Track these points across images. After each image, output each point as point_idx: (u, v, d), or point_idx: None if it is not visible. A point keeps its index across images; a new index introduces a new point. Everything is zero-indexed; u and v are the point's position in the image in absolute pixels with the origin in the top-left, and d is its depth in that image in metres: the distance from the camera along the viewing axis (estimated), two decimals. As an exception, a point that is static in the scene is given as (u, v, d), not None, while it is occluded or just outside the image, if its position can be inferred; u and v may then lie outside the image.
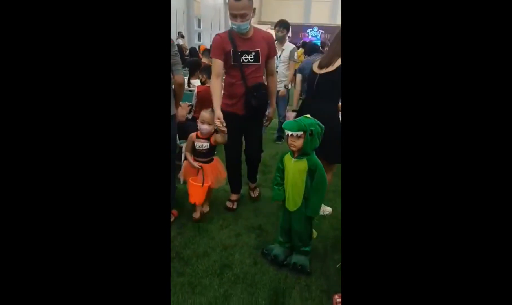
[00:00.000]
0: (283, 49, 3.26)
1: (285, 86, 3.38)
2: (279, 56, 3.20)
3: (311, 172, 1.50)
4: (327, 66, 1.81)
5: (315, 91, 1.87)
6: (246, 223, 2.01)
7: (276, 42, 2.57)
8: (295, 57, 3.33)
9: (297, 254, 1.63)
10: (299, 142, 1.44)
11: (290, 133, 1.42)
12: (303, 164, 1.49)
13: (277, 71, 2.47)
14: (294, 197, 1.53)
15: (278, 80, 2.56)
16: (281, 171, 1.58)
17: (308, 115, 1.48)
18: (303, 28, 15.36)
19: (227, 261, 1.66)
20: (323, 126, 1.48)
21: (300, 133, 1.42)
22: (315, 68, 1.90)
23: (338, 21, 15.53)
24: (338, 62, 1.77)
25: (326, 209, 2.15)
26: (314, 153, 1.52)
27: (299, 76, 3.03)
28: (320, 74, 1.84)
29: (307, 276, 1.56)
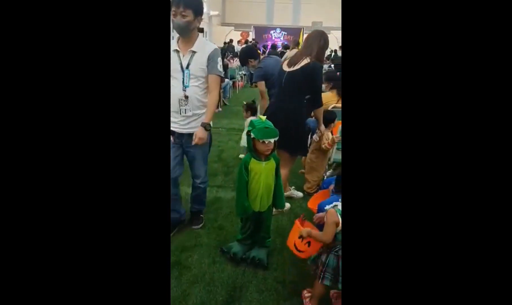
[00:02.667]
0: (193, 52, 1.65)
1: (204, 127, 1.66)
2: (187, 66, 1.65)
3: (277, 169, 1.58)
4: (294, 65, 1.89)
5: (283, 89, 1.93)
6: (206, 223, 2.04)
7: (172, 39, 1.72)
8: (219, 67, 1.67)
9: (257, 248, 1.69)
10: (272, 145, 1.48)
11: (267, 141, 1.44)
12: (272, 164, 1.55)
13: (185, 96, 1.64)
14: (267, 197, 1.57)
15: (190, 112, 1.68)
16: (246, 182, 1.54)
17: (263, 117, 1.51)
18: (266, 29, 15.61)
19: (186, 262, 1.68)
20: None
21: (276, 138, 1.47)
22: (284, 66, 1.96)
23: (300, 23, 16.00)
24: (305, 61, 1.84)
25: (286, 205, 2.25)
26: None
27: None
28: (288, 72, 1.91)
29: (264, 270, 1.63)
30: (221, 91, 5.43)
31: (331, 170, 2.73)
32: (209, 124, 1.68)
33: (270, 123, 1.48)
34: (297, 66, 1.88)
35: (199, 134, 1.63)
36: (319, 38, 1.89)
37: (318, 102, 1.99)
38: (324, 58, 2.01)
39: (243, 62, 2.84)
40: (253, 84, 2.79)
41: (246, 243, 1.71)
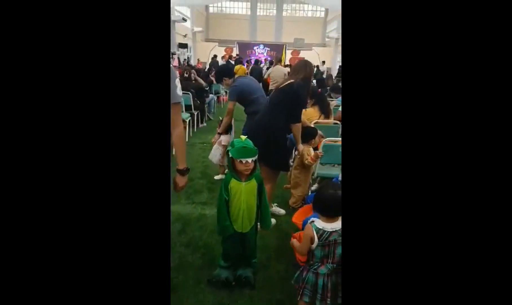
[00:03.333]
0: None
1: (181, 173, 1.49)
2: None
3: (259, 188, 1.57)
4: (282, 84, 2.02)
5: (268, 106, 2.04)
6: (191, 242, 2.00)
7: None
8: (178, 91, 1.40)
9: (244, 268, 1.66)
10: (252, 165, 1.48)
11: (244, 160, 1.44)
12: (253, 184, 1.54)
13: None
14: (249, 218, 1.56)
15: None
16: (227, 202, 1.53)
17: (243, 137, 1.52)
18: (250, 45, 15.92)
19: (171, 284, 1.63)
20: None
21: (255, 157, 1.47)
22: (272, 85, 2.10)
23: (283, 39, 16.45)
24: (289, 82, 1.98)
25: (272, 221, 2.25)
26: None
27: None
28: (275, 90, 2.05)
29: (251, 289, 1.60)
30: (206, 106, 5.45)
31: (316, 184, 2.76)
32: (187, 169, 1.42)
33: (250, 142, 1.48)
34: (282, 86, 2.02)
35: (179, 182, 1.41)
36: (305, 67, 2.05)
37: (296, 118, 2.05)
38: (310, 82, 2.14)
39: (218, 80, 2.94)
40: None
41: (231, 266, 1.68)
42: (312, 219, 1.33)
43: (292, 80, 1.97)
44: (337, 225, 1.27)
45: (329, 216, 1.27)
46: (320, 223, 1.28)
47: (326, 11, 18.76)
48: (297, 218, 1.81)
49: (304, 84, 2.00)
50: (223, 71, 2.82)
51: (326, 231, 1.26)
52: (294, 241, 1.34)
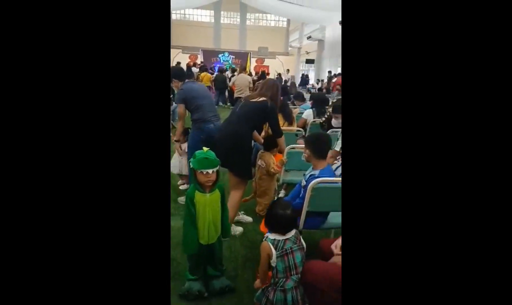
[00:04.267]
0: None
1: None
2: None
3: (222, 198, 1.56)
4: (253, 98, 2.12)
5: (236, 115, 2.08)
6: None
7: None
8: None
9: (217, 279, 1.62)
10: (214, 176, 1.47)
11: (205, 171, 1.42)
12: (217, 194, 1.52)
13: None
14: (215, 229, 1.54)
15: None
16: (194, 216, 1.49)
17: (205, 148, 1.51)
18: (214, 53, 15.91)
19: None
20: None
21: (216, 168, 1.46)
22: (237, 93, 2.14)
23: (248, 48, 16.68)
24: (263, 98, 2.08)
25: (237, 229, 2.24)
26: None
27: None
28: (245, 102, 2.11)
29: (233, 292, 1.58)
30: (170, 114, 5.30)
31: (282, 190, 2.81)
32: None
33: (212, 154, 1.47)
34: (254, 99, 2.10)
35: None
36: (273, 86, 2.17)
37: (279, 133, 2.22)
38: (278, 101, 2.24)
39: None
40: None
41: (200, 278, 1.63)
42: (266, 235, 1.37)
43: (264, 98, 2.06)
44: (288, 233, 1.31)
45: (280, 233, 1.31)
46: (272, 235, 1.31)
47: (288, 21, 19.42)
48: (264, 227, 1.82)
49: (275, 106, 2.14)
50: (173, 73, 2.73)
51: (280, 240, 1.29)
52: (262, 257, 1.35)
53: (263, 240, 1.34)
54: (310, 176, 1.70)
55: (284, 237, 1.30)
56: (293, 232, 1.34)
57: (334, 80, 8.20)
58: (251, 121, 2.07)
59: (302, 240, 1.38)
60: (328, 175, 1.66)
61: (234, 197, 2.06)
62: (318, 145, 1.72)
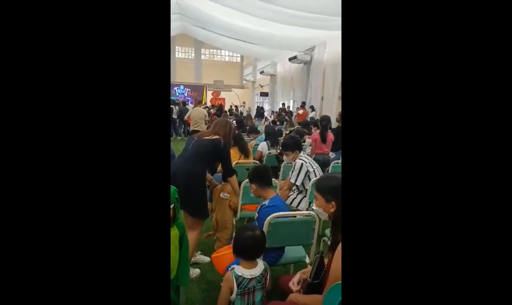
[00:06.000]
0: None
1: None
2: None
3: (181, 237, 1.47)
4: (206, 136, 2.13)
5: (189, 153, 2.05)
6: None
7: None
8: None
9: None
10: (171, 213, 1.40)
11: None
12: (175, 231, 1.44)
13: None
14: (172, 269, 1.43)
15: None
16: None
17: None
18: (171, 86, 15.82)
19: None
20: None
21: (173, 205, 1.40)
22: (193, 126, 2.12)
23: (203, 81, 16.92)
24: (216, 137, 2.09)
25: (194, 271, 2.11)
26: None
27: None
28: (198, 140, 2.10)
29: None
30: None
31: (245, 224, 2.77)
32: None
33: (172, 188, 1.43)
34: (207, 137, 2.11)
35: None
36: (226, 124, 2.23)
37: (231, 171, 2.24)
38: (231, 139, 2.33)
39: None
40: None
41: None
42: (232, 266, 1.32)
43: (218, 137, 2.09)
44: (255, 271, 1.28)
45: (252, 258, 1.28)
46: (240, 270, 1.27)
47: (242, 57, 20.33)
48: (219, 262, 1.73)
49: (228, 143, 2.17)
50: None
51: (245, 278, 1.25)
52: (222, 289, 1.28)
53: (229, 270, 1.27)
54: (261, 206, 1.72)
55: (250, 276, 1.25)
56: (261, 267, 1.31)
57: (300, 112, 8.63)
58: (204, 160, 2.06)
59: (269, 276, 1.35)
60: (278, 203, 1.71)
61: (190, 238, 1.97)
62: (260, 176, 1.80)
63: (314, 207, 1.23)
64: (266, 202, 1.73)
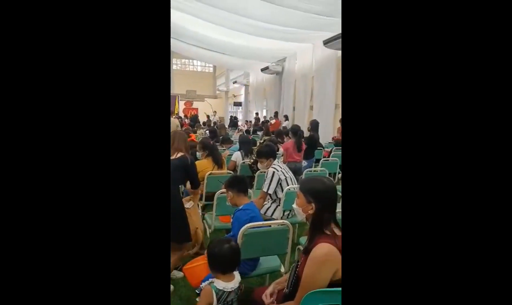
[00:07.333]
0: None
1: None
2: None
3: None
4: (171, 155, 2.08)
5: None
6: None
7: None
8: None
9: None
10: None
11: None
12: None
13: None
14: None
15: None
16: None
17: None
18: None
19: None
20: None
21: None
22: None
23: (175, 91, 16.62)
24: (180, 154, 2.07)
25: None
26: None
27: None
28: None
29: None
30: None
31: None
32: None
33: None
34: (172, 157, 2.06)
35: None
36: (181, 136, 2.22)
37: (197, 185, 2.25)
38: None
39: None
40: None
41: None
42: (210, 279, 1.28)
43: (182, 153, 2.07)
44: (234, 283, 1.26)
45: (230, 271, 1.26)
46: (220, 284, 1.24)
47: (214, 67, 20.35)
48: (191, 274, 1.65)
49: (191, 158, 2.16)
50: None
51: (225, 291, 1.22)
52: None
53: (206, 285, 1.23)
54: (236, 211, 1.72)
55: (231, 288, 1.22)
56: (238, 279, 1.28)
57: (273, 121, 8.73)
58: (176, 182, 2.03)
59: (243, 286, 1.33)
60: (252, 208, 1.71)
61: (171, 260, 1.89)
62: (237, 183, 1.80)
63: (294, 205, 1.23)
64: (240, 207, 1.73)
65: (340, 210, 1.87)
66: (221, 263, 1.26)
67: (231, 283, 1.25)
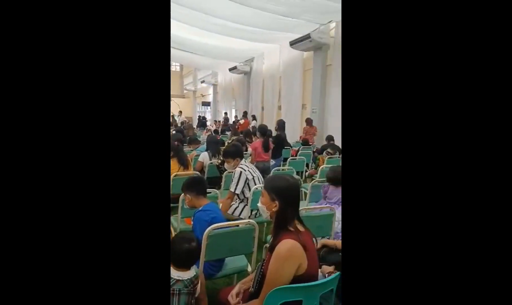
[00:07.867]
0: None
1: None
2: None
3: None
4: None
5: None
6: None
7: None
8: None
9: None
10: None
11: None
12: None
13: None
14: None
15: None
16: None
17: None
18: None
19: None
20: None
21: None
22: None
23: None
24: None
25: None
26: None
27: None
28: None
29: None
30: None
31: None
32: None
33: None
34: None
35: None
36: None
37: None
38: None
39: None
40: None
41: None
42: None
43: None
44: (184, 274, 1.24)
45: (184, 267, 1.24)
46: (176, 272, 1.22)
47: (181, 66, 19.88)
48: None
49: None
50: None
51: (172, 278, 1.20)
52: None
53: None
54: (196, 212, 1.69)
55: (178, 276, 1.21)
56: (191, 274, 1.25)
57: (241, 121, 8.68)
58: None
59: (199, 285, 1.30)
60: (212, 209, 1.69)
61: None
62: (195, 185, 1.75)
63: (258, 204, 1.24)
64: (200, 208, 1.70)
65: (305, 207, 1.92)
66: (175, 259, 1.24)
67: (181, 273, 1.24)
